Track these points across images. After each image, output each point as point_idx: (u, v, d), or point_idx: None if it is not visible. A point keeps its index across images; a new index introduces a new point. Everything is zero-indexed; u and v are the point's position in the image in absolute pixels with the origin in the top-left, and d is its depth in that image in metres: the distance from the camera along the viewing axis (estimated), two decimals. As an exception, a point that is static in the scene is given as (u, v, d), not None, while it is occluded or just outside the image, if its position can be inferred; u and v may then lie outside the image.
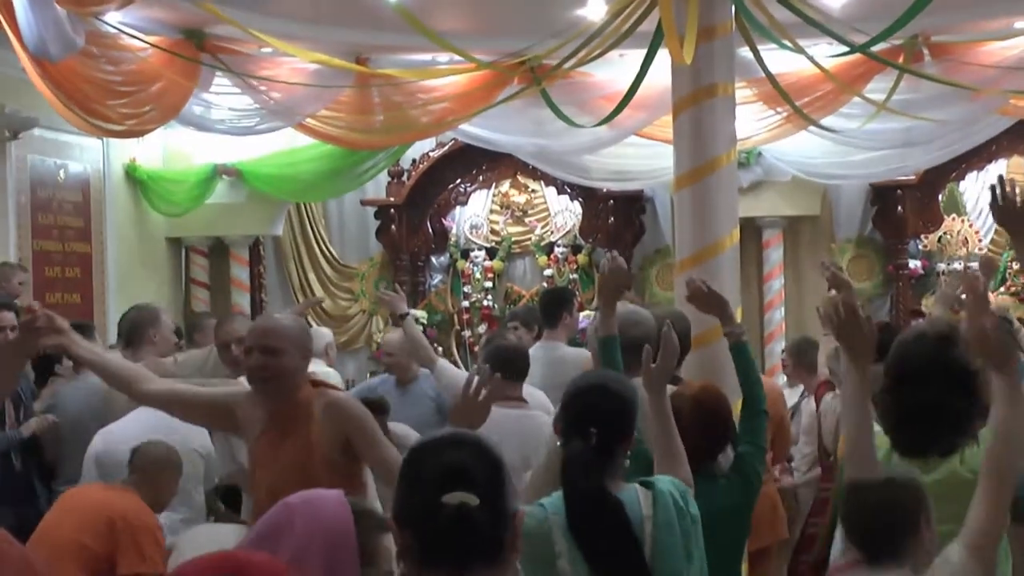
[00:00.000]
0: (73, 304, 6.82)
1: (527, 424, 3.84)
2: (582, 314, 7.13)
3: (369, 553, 1.48)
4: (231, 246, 8.11)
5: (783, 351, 6.12)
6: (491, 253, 8.49)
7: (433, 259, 8.63)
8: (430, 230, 8.42)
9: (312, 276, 8.47)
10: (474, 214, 8.49)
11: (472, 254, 8.45)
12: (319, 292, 8.42)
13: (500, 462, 1.45)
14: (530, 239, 8.44)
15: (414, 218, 8.37)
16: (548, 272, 8.34)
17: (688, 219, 4.39)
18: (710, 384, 3.12)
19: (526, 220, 8.47)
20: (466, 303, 8.41)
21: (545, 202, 8.47)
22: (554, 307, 5.26)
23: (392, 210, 8.24)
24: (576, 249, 8.37)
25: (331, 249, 8.57)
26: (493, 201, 8.52)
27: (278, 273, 8.50)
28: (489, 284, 8.41)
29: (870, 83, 6.08)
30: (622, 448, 2.33)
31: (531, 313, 5.96)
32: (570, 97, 6.25)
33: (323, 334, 6.12)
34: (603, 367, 3.05)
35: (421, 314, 8.21)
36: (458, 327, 8.39)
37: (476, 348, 8.29)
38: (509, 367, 3.89)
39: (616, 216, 8.07)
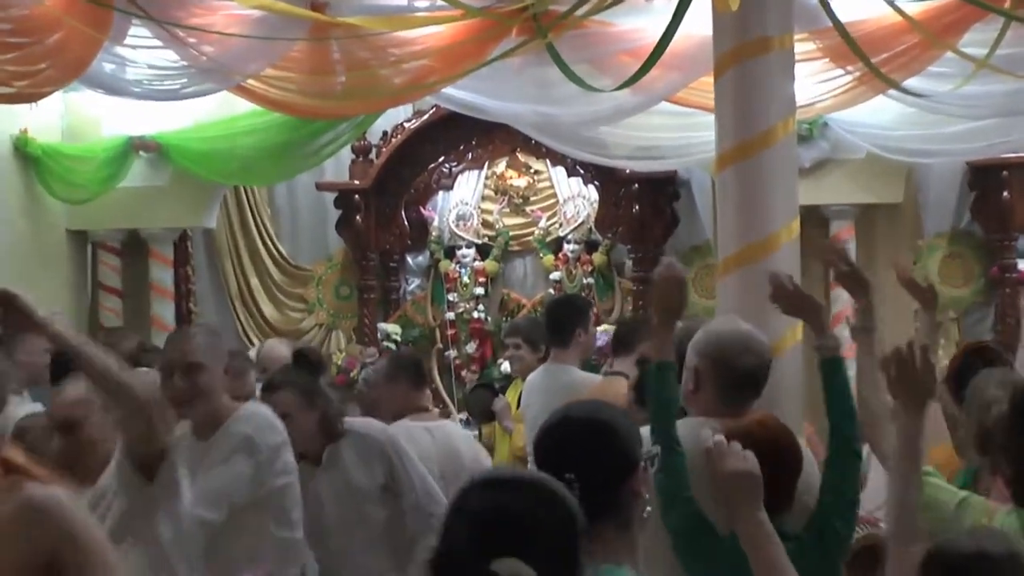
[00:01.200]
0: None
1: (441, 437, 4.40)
2: (599, 329, 7.16)
3: None
4: (150, 242, 8.08)
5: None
6: (483, 251, 8.53)
7: (409, 259, 8.66)
8: (405, 222, 8.45)
9: (254, 281, 8.51)
10: (461, 202, 8.52)
11: (459, 253, 8.49)
12: (263, 300, 8.46)
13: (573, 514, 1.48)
14: (532, 234, 8.48)
15: (385, 207, 8.39)
16: (555, 276, 8.38)
17: (733, 208, 4.42)
18: (769, 416, 3.10)
19: (527, 209, 8.51)
20: (451, 315, 8.44)
21: (552, 186, 8.51)
22: (566, 321, 5.27)
23: (357, 196, 8.25)
24: (591, 246, 8.40)
25: (279, 246, 8.59)
26: (486, 185, 8.56)
27: (211, 276, 8.53)
28: (480, 290, 8.45)
29: (967, 34, 5.99)
30: (623, 499, 2.17)
31: (536, 328, 6.04)
32: (583, 53, 6.17)
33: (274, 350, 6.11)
34: (655, 406, 3.04)
35: (394, 329, 8.28)
36: (441, 345, 8.43)
37: (464, 372, 8.31)
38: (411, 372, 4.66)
39: (642, 204, 8.08)
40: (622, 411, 2.41)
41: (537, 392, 5.31)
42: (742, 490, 2.65)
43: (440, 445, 4.67)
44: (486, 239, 8.52)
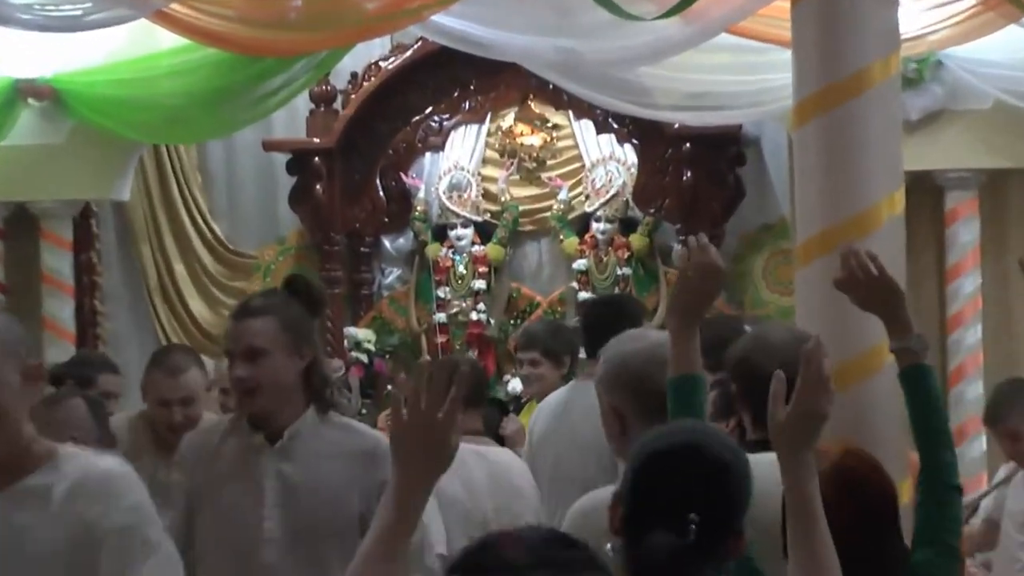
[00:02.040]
0: None
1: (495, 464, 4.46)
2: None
3: None
4: (42, 219, 7.99)
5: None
6: (484, 232, 8.53)
7: (386, 242, 8.67)
8: (381, 194, 8.47)
9: (181, 269, 8.53)
10: (456, 166, 8.52)
11: (452, 234, 8.50)
12: (191, 296, 8.46)
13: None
14: (550, 209, 8.48)
15: (354, 173, 8.42)
16: (580, 264, 8.40)
17: (818, 174, 4.42)
18: (856, 447, 3.13)
19: (543, 177, 8.51)
20: (441, 316, 8.46)
21: (575, 147, 8.51)
22: (608, 328, 5.04)
23: (317, 159, 8.27)
24: (627, 225, 8.42)
25: (212, 226, 8.61)
26: (488, 145, 8.56)
27: (122, 265, 8.56)
28: (480, 284, 8.47)
29: None
30: (729, 551, 2.35)
31: (559, 336, 6.10)
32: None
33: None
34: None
35: (365, 335, 8.32)
36: (428, 357, 8.41)
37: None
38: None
39: (696, 170, 8.10)
40: (732, 440, 2.54)
41: (551, 414, 5.36)
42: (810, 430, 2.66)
43: (495, 476, 4.69)
44: (488, 216, 8.52)
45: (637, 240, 8.37)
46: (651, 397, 3.21)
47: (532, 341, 6.10)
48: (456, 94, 8.41)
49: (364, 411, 7.81)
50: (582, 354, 5.95)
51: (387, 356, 8.32)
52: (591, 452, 4.77)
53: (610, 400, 3.35)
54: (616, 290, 8.23)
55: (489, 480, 4.61)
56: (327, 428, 3.76)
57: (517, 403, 7.56)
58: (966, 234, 7.70)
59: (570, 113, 8.41)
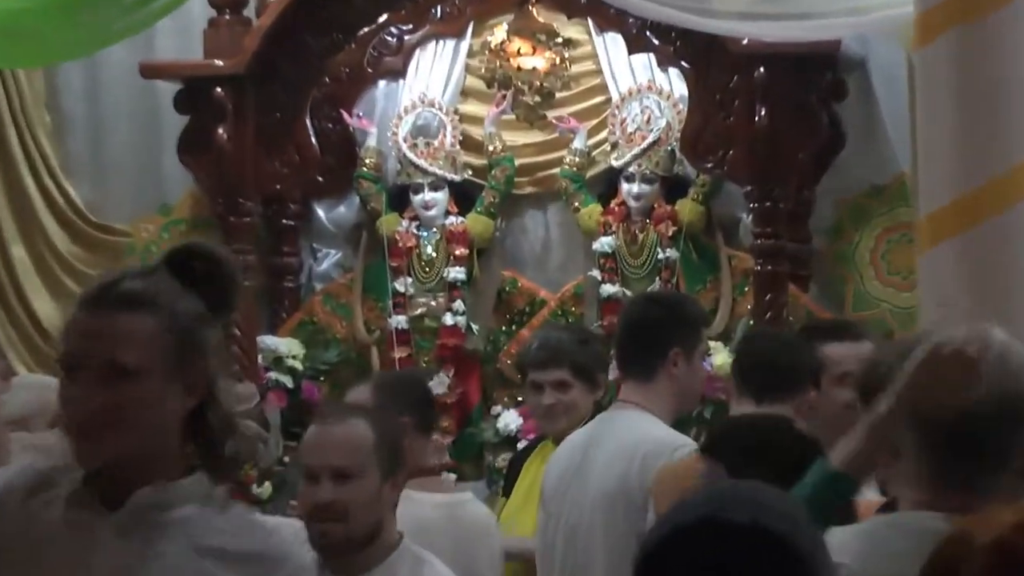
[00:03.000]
0: None
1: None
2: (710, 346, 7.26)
3: None
4: None
5: None
6: (463, 196, 8.58)
7: (320, 211, 8.78)
8: (313, 140, 8.44)
9: (20, 252, 8.56)
10: (423, 100, 8.58)
11: (418, 199, 8.54)
12: (34, 288, 8.50)
13: None
14: (561, 162, 8.52)
15: (274, 110, 8.37)
16: (604, 243, 8.40)
17: (951, 114, 4.54)
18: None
19: (549, 116, 8.55)
20: (401, 320, 8.50)
21: (598, 71, 8.55)
22: (656, 335, 5.42)
23: (220, 91, 8.18)
24: (674, 187, 8.45)
25: (67, 187, 8.67)
26: (470, 70, 8.61)
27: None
28: (459, 273, 8.50)
29: None
30: None
31: (591, 347, 6.25)
32: None
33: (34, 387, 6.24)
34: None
35: (290, 346, 8.35)
36: (380, 377, 8.36)
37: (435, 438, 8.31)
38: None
39: (773, 107, 8.00)
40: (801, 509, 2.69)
41: (576, 451, 5.46)
42: None
43: (460, 534, 5.01)
44: (469, 174, 8.56)
45: (687, 209, 8.35)
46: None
47: (557, 355, 6.16)
48: (420, -2, 8.44)
49: (287, 459, 7.79)
50: (611, 372, 6.09)
51: (322, 378, 8.34)
52: (618, 506, 5.07)
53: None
54: (658, 282, 8.26)
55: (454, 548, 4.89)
56: (212, 512, 3.45)
57: (513, 445, 7.71)
58: None
59: (590, 23, 8.44)
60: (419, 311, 8.47)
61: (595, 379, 6.10)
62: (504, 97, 8.49)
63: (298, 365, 8.30)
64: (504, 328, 8.44)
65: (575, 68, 8.53)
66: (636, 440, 5.20)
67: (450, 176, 8.49)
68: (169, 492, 3.35)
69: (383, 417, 4.48)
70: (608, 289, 8.29)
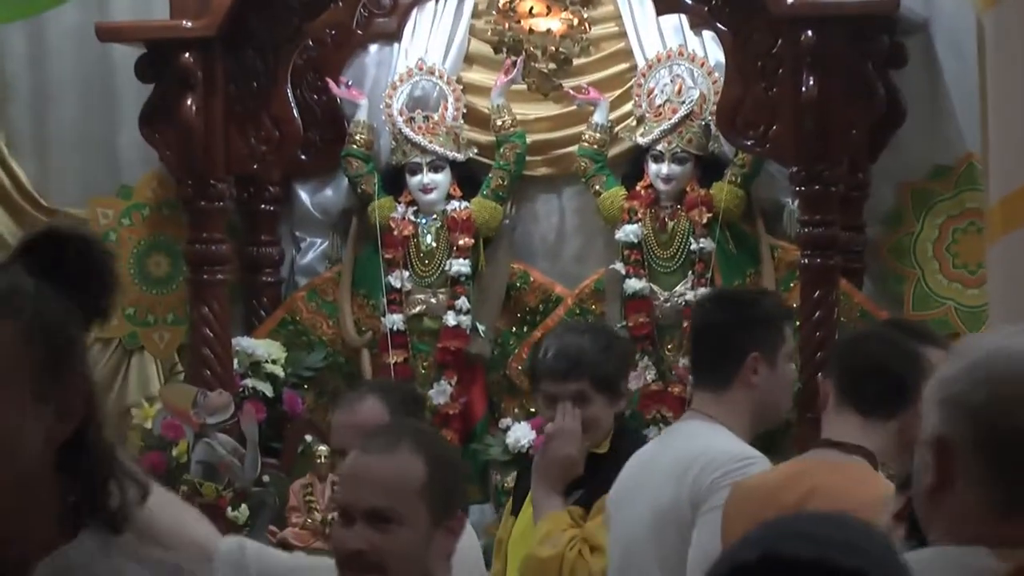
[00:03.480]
0: None
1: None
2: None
3: None
4: None
5: None
6: (467, 178, 8.63)
7: (304, 194, 8.82)
8: (295, 112, 8.41)
9: None
10: (420, 68, 8.61)
11: (415, 181, 8.57)
12: None
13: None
14: (580, 139, 8.55)
15: (249, 79, 8.37)
16: (629, 231, 8.44)
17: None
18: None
19: (566, 87, 8.59)
20: (397, 319, 8.55)
21: (622, 34, 8.60)
22: (730, 338, 5.48)
23: (188, 56, 8.18)
24: (709, 167, 8.49)
25: (13, 166, 8.74)
26: (474, 32, 8.66)
27: None
28: (462, 266, 8.54)
29: None
30: None
31: (614, 352, 6.32)
32: None
33: None
34: None
35: (268, 349, 8.41)
36: (369, 382, 8.34)
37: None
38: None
39: (823, 75, 7.98)
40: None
41: (637, 466, 5.58)
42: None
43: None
44: (474, 152, 8.61)
45: (724, 192, 8.39)
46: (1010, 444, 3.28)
47: (577, 365, 6.07)
48: (419, -52, 8.38)
49: (266, 479, 7.87)
50: (633, 380, 6.13)
51: (305, 386, 8.39)
52: (669, 523, 5.23)
53: (946, 430, 3.35)
54: (690, 276, 8.35)
55: None
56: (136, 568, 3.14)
57: (523, 463, 7.54)
58: None
59: (613, -19, 8.38)
60: (417, 309, 8.54)
61: (618, 390, 6.06)
62: (514, 64, 8.48)
63: (278, 371, 8.33)
64: (514, 329, 8.51)
65: (596, 31, 8.54)
66: (695, 453, 5.27)
67: (452, 155, 8.53)
68: (72, 558, 2.96)
69: (441, 447, 4.29)
70: (633, 284, 8.32)
